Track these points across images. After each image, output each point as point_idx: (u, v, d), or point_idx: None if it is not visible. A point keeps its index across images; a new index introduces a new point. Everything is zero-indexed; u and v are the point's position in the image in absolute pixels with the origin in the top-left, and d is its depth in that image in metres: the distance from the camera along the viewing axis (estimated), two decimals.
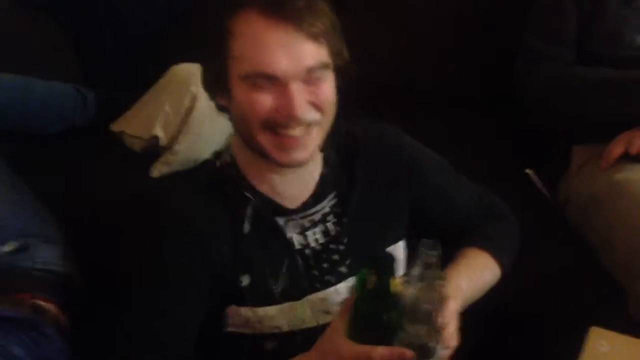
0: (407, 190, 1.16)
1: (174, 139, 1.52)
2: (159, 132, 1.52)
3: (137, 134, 1.56)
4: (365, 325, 0.91)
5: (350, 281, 1.10)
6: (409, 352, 0.90)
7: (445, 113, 1.73)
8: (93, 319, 1.26)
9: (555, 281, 1.39)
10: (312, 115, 0.99)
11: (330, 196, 1.11)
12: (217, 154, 1.13)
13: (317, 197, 1.10)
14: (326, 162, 1.10)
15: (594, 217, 1.47)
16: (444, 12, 1.80)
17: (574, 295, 1.38)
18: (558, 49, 1.57)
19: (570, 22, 1.57)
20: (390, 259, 0.91)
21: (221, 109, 1.06)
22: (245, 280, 1.05)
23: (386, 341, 0.91)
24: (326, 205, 1.11)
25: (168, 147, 1.52)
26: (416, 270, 0.92)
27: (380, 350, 0.89)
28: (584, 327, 1.10)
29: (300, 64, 0.96)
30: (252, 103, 0.97)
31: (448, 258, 1.10)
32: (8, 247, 1.26)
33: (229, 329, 1.07)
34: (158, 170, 1.52)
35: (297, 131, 0.99)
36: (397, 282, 0.91)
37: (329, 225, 1.11)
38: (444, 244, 0.93)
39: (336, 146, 1.11)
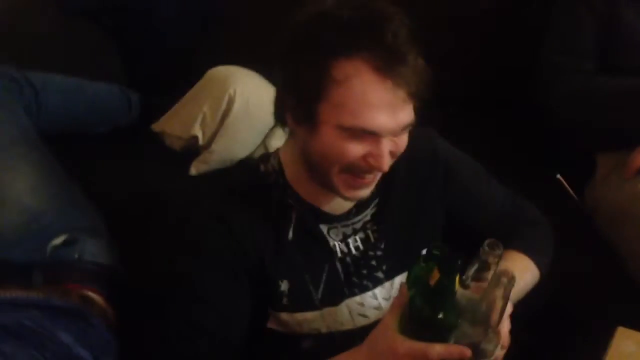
0: (442, 193, 1.17)
1: (211, 139, 1.54)
2: (197, 132, 1.54)
3: (177, 133, 1.59)
4: (422, 322, 0.89)
5: (386, 286, 1.12)
6: (467, 350, 0.88)
7: (445, 113, 1.65)
8: (135, 312, 1.30)
9: (579, 283, 1.39)
10: (390, 162, 1.01)
11: (372, 204, 1.13)
12: (263, 159, 1.13)
13: (360, 206, 1.12)
14: None
15: (624, 227, 1.47)
16: (444, 12, 1.76)
17: (600, 296, 1.38)
18: (578, 60, 1.57)
19: (588, 33, 1.56)
20: (457, 257, 0.87)
21: (284, 124, 1.06)
22: (283, 286, 1.06)
23: (441, 339, 0.88)
24: (368, 213, 1.13)
25: (206, 147, 1.56)
26: (476, 270, 0.88)
27: (438, 347, 0.87)
28: (609, 328, 1.11)
29: (399, 123, 0.97)
30: (342, 149, 0.97)
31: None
32: (57, 241, 1.30)
33: (268, 325, 1.09)
34: (196, 168, 1.56)
35: (373, 175, 1.02)
36: (457, 280, 0.88)
37: (369, 232, 1.12)
38: (475, 248, 0.90)
39: None
